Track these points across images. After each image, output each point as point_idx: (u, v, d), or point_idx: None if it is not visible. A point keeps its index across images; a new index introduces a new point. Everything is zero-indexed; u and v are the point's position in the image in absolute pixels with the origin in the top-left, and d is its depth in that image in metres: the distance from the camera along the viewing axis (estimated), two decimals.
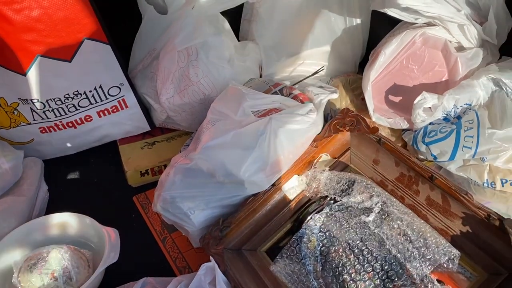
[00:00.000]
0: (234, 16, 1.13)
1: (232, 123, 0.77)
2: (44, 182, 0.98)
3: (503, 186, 0.78)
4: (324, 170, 0.79)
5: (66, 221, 0.82)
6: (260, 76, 1.09)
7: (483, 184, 0.79)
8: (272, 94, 0.87)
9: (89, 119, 1.00)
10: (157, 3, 1.00)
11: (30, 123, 0.97)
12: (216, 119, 0.80)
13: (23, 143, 1.00)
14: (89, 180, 1.03)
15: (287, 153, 0.77)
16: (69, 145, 1.04)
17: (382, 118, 0.93)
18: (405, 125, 0.91)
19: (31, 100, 0.92)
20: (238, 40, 1.11)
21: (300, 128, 0.77)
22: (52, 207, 0.94)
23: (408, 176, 0.75)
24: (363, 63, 1.09)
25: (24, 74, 0.87)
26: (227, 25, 1.03)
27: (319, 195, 0.77)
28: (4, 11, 0.78)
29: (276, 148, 0.74)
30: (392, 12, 0.83)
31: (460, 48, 0.89)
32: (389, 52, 0.90)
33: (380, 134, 0.79)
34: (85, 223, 0.81)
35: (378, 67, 0.91)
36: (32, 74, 0.88)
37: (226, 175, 0.73)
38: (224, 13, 1.01)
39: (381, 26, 1.02)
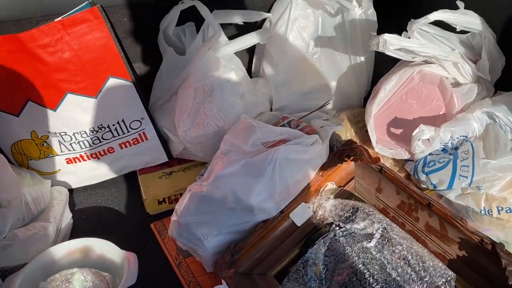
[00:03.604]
0: (247, 56, 1.19)
1: (243, 154, 0.80)
2: (69, 209, 1.01)
3: (499, 213, 0.80)
4: (329, 198, 0.81)
5: (88, 245, 0.85)
6: (271, 110, 1.13)
7: (481, 212, 0.81)
8: (280, 126, 0.91)
9: (111, 151, 1.04)
10: (176, 45, 1.08)
11: (57, 154, 1.01)
12: (229, 149, 0.84)
13: (50, 173, 1.05)
14: (110, 208, 1.06)
15: (294, 182, 0.79)
16: (92, 175, 1.08)
17: (385, 149, 0.96)
18: (406, 155, 0.94)
19: (59, 133, 0.97)
20: (251, 77, 1.16)
21: (306, 158, 0.80)
22: (76, 233, 0.98)
23: (408, 204, 0.77)
24: (368, 97, 1.09)
25: (55, 110, 0.93)
26: (240, 64, 1.08)
27: (325, 222, 0.79)
28: (40, 54, 0.86)
29: (283, 177, 0.77)
30: (389, 52, 0.86)
31: (456, 84, 0.92)
32: (389, 88, 0.94)
33: (381, 164, 0.80)
34: (106, 248, 0.84)
35: (379, 101, 0.95)
36: (62, 109, 0.94)
37: (237, 202, 0.76)
38: (237, 53, 1.06)
39: (386, 63, 1.04)
